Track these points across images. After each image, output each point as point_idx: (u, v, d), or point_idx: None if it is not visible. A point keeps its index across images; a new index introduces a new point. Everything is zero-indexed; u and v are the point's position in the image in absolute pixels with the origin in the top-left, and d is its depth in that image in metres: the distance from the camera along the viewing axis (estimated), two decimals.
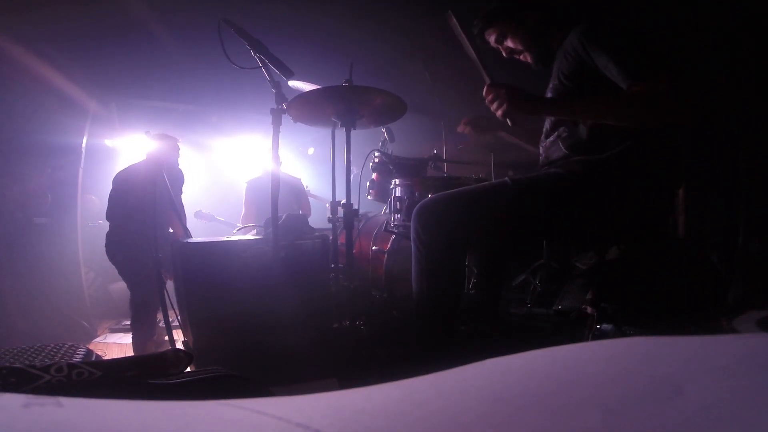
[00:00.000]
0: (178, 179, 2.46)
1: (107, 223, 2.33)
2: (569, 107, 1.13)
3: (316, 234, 1.72)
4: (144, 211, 1.99)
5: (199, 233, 3.13)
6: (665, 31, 1.96)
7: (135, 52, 2.92)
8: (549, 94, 1.29)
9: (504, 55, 1.37)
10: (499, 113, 1.13)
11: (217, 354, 1.38)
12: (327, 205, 3.61)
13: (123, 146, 4.18)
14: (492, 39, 1.36)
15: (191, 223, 3.10)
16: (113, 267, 2.31)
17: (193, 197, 2.91)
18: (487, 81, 1.19)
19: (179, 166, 2.56)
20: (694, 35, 2.03)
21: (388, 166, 2.01)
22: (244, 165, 4.72)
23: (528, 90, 1.14)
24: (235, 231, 2.48)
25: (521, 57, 1.35)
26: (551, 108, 1.18)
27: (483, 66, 1.23)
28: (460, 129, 1.55)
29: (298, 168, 4.77)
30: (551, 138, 1.29)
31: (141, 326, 2.20)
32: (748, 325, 1.30)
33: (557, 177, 1.20)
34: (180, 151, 2.60)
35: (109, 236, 2.32)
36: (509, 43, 1.34)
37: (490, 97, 1.15)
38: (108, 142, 4.03)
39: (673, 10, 2.04)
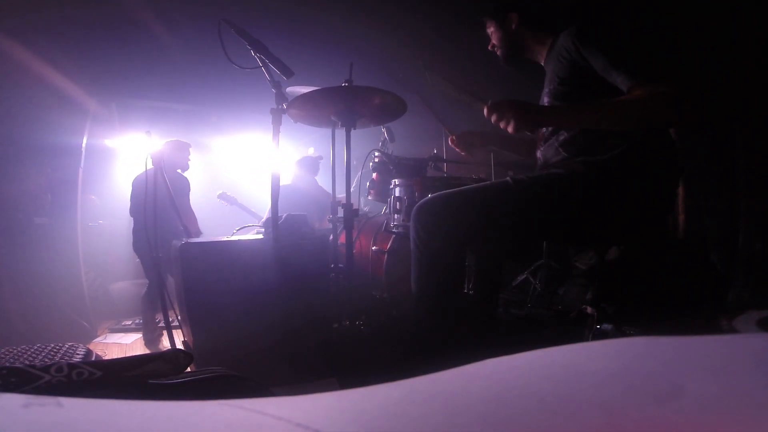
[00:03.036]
0: (183, 185, 2.62)
1: (107, 223, 2.36)
2: (574, 116, 1.13)
3: (316, 234, 1.72)
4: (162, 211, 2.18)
5: (221, 215, 3.13)
6: (662, 30, 1.96)
7: (135, 52, 2.92)
8: (545, 98, 1.30)
9: (489, 47, 1.43)
10: (510, 130, 1.14)
11: (217, 354, 1.38)
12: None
13: (123, 146, 4.18)
14: (485, 27, 1.43)
15: (214, 204, 3.16)
16: (113, 267, 2.33)
17: (192, 197, 2.91)
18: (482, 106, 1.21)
19: (183, 173, 2.71)
20: (693, 35, 2.03)
21: (388, 166, 2.01)
22: (243, 165, 4.72)
23: (528, 101, 1.14)
24: (235, 231, 2.48)
25: (496, 51, 1.41)
26: (557, 118, 1.19)
27: (472, 96, 1.26)
28: (452, 145, 1.60)
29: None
30: (549, 141, 1.29)
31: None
32: (748, 325, 1.30)
33: (559, 177, 1.19)
34: (188, 157, 2.76)
35: (135, 233, 2.57)
36: (492, 37, 1.40)
37: (494, 117, 1.15)
38: (108, 142, 4.03)
39: (671, 10, 2.04)
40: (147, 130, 1.96)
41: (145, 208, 1.73)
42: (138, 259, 2.63)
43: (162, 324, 2.12)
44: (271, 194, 1.42)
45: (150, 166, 1.88)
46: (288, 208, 1.54)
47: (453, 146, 1.60)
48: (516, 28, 1.34)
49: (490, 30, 1.40)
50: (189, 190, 2.83)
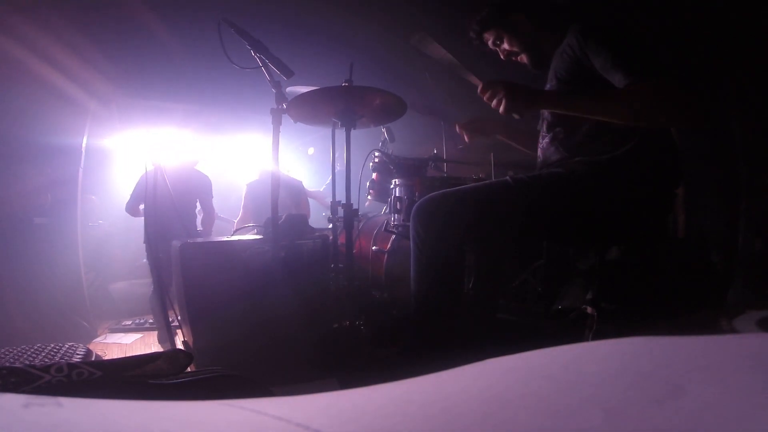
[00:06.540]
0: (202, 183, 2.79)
1: (107, 223, 2.36)
2: (568, 102, 1.13)
3: (316, 234, 1.72)
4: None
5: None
6: (662, 30, 1.96)
7: (135, 52, 2.92)
8: None
9: (502, 57, 1.39)
10: (501, 110, 1.13)
11: (217, 354, 1.38)
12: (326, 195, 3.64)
13: (122, 146, 4.17)
14: (490, 42, 1.38)
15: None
16: (113, 267, 2.33)
17: None
18: (478, 83, 1.20)
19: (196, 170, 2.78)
20: (693, 35, 2.03)
21: (388, 166, 2.01)
22: (243, 165, 4.71)
23: (523, 83, 1.13)
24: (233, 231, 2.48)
25: (518, 59, 1.36)
26: (550, 102, 1.18)
27: (468, 70, 1.25)
28: (459, 131, 1.56)
29: (299, 168, 4.77)
30: (547, 139, 1.28)
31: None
32: (748, 325, 1.30)
33: (559, 177, 1.19)
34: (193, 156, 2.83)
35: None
36: (506, 46, 1.35)
37: (487, 95, 1.15)
38: (108, 142, 4.03)
39: (670, 10, 2.04)
40: (148, 130, 1.97)
41: (146, 208, 1.73)
42: (145, 259, 2.67)
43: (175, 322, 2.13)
44: (271, 194, 1.42)
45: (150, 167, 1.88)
46: (264, 199, 1.56)
47: (460, 132, 1.54)
48: (530, 30, 1.32)
49: (492, 40, 1.36)
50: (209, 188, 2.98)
